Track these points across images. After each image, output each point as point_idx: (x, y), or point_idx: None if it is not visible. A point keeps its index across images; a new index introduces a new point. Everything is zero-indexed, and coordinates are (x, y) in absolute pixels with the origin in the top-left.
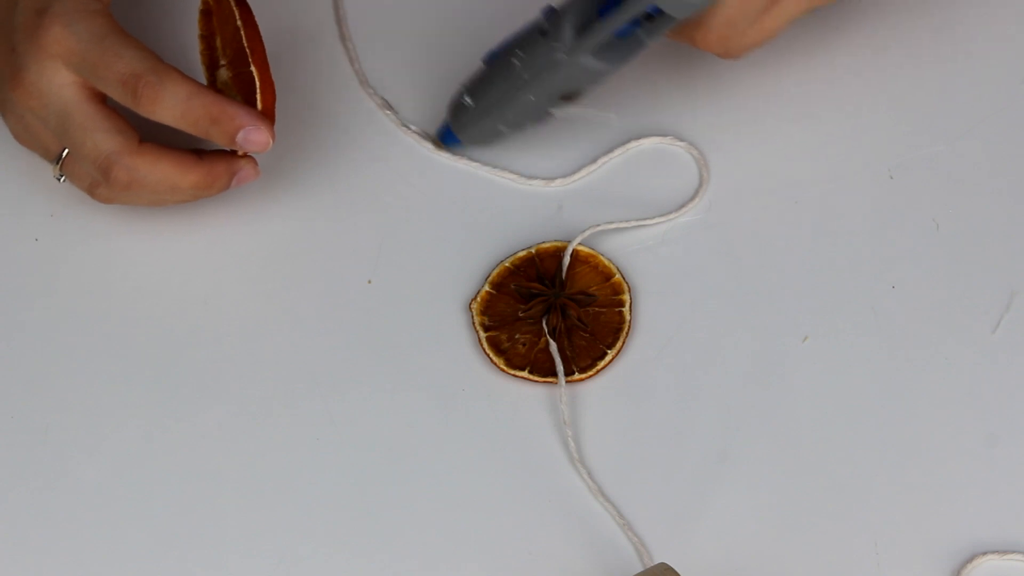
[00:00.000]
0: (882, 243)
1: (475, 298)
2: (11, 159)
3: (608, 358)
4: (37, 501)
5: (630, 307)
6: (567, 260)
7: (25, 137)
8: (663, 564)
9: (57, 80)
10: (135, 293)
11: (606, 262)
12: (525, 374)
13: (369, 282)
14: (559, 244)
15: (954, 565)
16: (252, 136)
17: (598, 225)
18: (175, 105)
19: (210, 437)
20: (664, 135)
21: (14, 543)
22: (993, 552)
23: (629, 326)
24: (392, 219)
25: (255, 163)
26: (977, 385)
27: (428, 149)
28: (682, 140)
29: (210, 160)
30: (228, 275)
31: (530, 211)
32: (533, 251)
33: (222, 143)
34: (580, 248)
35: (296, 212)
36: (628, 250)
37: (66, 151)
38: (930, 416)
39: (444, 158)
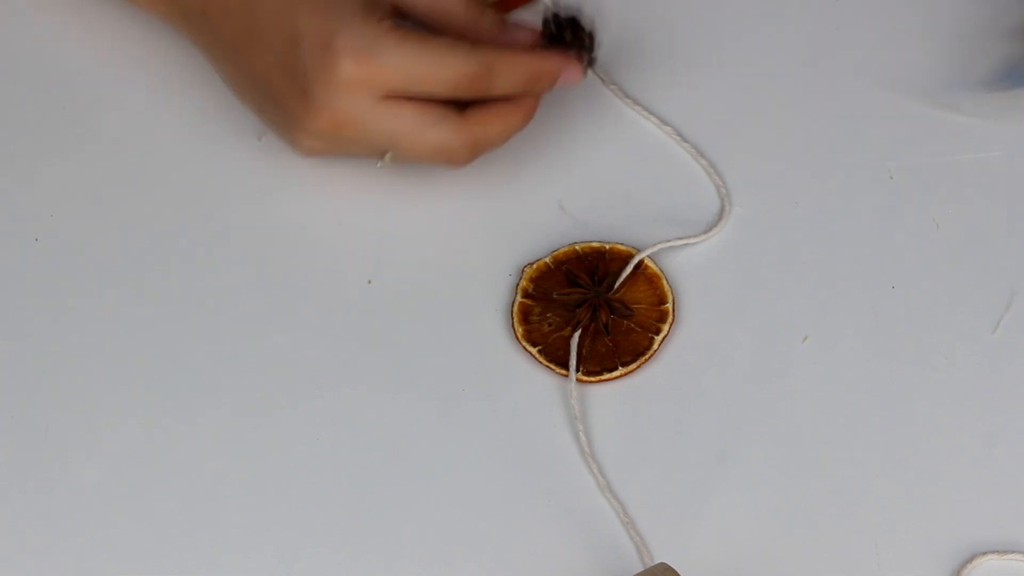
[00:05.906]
0: (882, 243)
1: (533, 263)
2: (11, 159)
3: (617, 374)
4: (37, 501)
5: (663, 338)
6: (629, 268)
7: (330, 152)
8: (663, 564)
9: (370, 110)
10: (135, 293)
11: (666, 288)
12: (535, 352)
13: (369, 282)
14: (631, 251)
15: (954, 565)
16: (569, 76)
17: (668, 241)
18: (507, 84)
19: (210, 437)
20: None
21: (14, 543)
22: (993, 552)
23: (653, 355)
24: (392, 219)
25: (578, 64)
26: (977, 385)
27: None
28: (686, 142)
29: (544, 59)
30: (228, 275)
31: (531, 217)
32: (607, 247)
33: (544, 92)
34: (650, 265)
35: (296, 212)
36: None
37: (390, 154)
38: (930, 416)
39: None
